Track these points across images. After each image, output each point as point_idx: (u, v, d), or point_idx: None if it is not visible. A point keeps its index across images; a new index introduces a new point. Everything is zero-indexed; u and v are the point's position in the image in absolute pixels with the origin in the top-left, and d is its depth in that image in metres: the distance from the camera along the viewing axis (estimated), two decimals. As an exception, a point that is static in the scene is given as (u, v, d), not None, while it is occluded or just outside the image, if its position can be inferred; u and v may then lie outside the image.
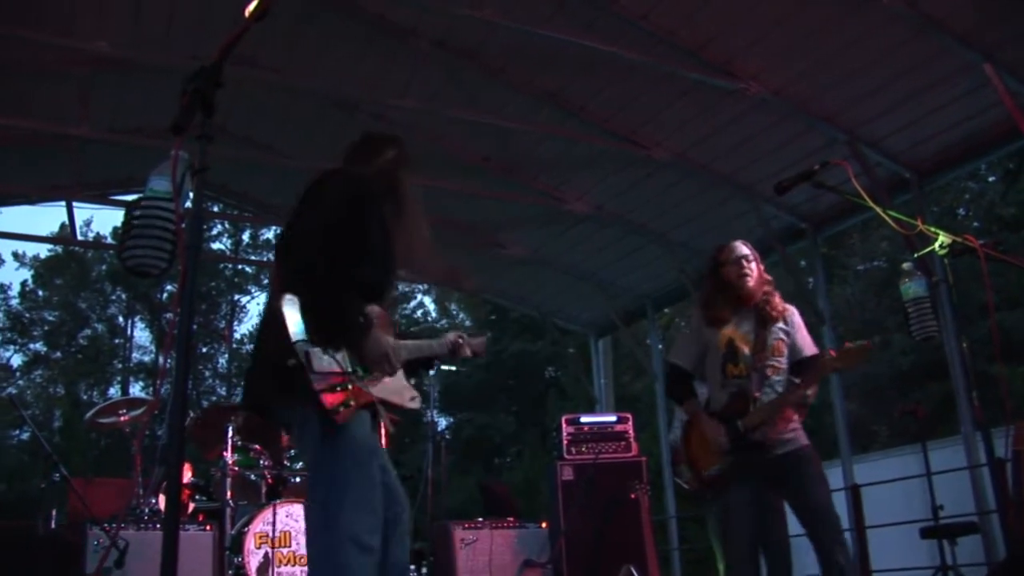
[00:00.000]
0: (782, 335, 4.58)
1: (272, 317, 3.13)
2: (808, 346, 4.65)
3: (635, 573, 6.65)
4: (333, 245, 3.10)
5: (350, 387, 3.09)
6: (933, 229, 3.51)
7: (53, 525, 6.78)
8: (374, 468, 3.20)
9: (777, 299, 4.60)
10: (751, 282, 4.52)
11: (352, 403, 3.08)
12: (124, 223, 2.56)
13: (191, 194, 2.02)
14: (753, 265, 4.57)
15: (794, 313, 4.66)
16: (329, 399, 3.01)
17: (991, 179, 22.76)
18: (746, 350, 4.51)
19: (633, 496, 6.61)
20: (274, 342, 3.05)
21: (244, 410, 3.89)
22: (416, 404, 3.45)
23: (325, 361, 3.03)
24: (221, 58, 2.04)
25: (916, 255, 3.79)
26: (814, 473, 4.44)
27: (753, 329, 4.55)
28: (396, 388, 3.36)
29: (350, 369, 3.13)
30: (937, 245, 3.49)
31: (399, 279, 3.48)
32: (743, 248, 4.59)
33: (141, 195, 2.66)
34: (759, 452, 4.42)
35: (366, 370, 3.20)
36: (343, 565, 3.02)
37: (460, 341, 3.78)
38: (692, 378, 4.63)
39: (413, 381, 3.55)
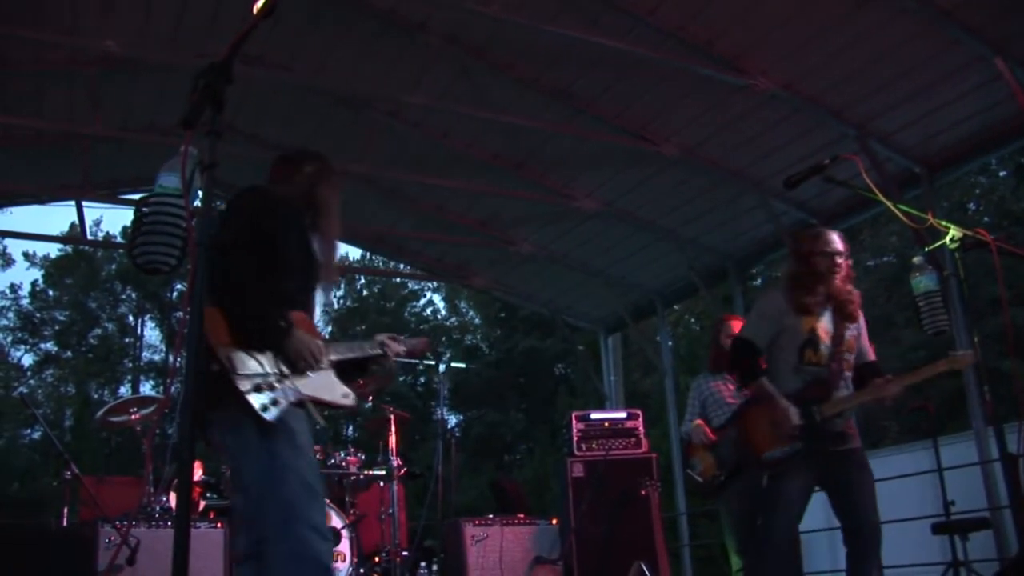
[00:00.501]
0: (855, 333, 4.56)
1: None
2: (870, 352, 4.66)
3: (645, 570, 6.64)
4: (251, 256, 3.20)
5: (276, 385, 3.16)
6: (944, 223, 3.50)
7: (65, 523, 6.80)
8: (312, 457, 3.33)
9: (857, 300, 4.55)
10: (840, 279, 4.47)
11: (279, 400, 3.14)
12: (134, 220, 2.58)
13: (200, 190, 2.02)
14: (843, 262, 4.50)
15: (862, 318, 4.63)
16: (256, 399, 3.07)
17: (1002, 174, 22.68)
18: (827, 340, 4.46)
19: (643, 493, 6.61)
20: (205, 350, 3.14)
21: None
22: (350, 401, 3.51)
23: (249, 364, 3.11)
24: (230, 55, 2.04)
25: (927, 249, 3.77)
26: (868, 480, 4.45)
27: (832, 323, 4.50)
28: (325, 385, 3.40)
29: (275, 369, 3.20)
30: (948, 239, 3.47)
31: (319, 288, 3.57)
32: (839, 243, 4.50)
33: (150, 192, 2.66)
34: (831, 442, 4.37)
35: (293, 369, 3.27)
36: (313, 557, 3.10)
37: (390, 341, 3.84)
38: (760, 356, 4.52)
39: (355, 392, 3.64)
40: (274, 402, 3.12)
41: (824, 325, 4.50)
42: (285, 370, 3.24)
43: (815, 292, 4.46)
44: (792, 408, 4.31)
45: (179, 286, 32.69)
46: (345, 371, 3.63)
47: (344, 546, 6.52)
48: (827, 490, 4.49)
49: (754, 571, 4.64)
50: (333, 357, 3.53)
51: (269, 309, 3.21)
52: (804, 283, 4.50)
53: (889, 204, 3.60)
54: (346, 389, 3.53)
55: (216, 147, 1.99)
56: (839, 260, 4.47)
